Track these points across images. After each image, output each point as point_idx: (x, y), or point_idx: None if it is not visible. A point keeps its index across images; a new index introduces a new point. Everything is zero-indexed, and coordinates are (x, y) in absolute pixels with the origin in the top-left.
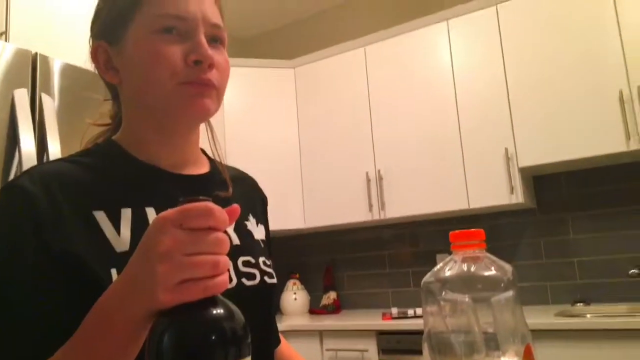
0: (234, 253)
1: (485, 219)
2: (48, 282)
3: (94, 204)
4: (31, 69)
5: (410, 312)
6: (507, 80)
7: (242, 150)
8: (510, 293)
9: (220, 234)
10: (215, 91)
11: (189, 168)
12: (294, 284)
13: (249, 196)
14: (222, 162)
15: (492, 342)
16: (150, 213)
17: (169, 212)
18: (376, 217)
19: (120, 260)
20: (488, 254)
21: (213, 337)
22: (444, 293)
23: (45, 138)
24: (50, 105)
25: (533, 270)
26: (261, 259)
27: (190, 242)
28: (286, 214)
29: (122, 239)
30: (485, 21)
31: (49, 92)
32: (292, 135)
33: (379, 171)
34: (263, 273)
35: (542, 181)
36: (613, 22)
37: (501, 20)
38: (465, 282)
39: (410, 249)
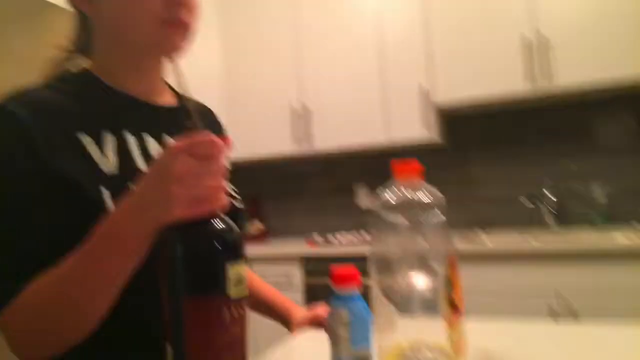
0: None
1: (399, 154)
2: (45, 199)
3: (79, 128)
4: None
5: (332, 239)
6: (425, 19)
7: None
8: (442, 218)
9: (221, 162)
10: (186, 29)
11: (158, 97)
12: None
13: (212, 128)
14: (187, 95)
15: (425, 259)
16: (130, 139)
17: (179, 142)
18: (302, 148)
19: (110, 181)
20: (424, 183)
21: (217, 243)
22: (385, 216)
23: None
24: None
25: None
26: (232, 188)
27: (199, 168)
28: None
29: (109, 161)
30: None
31: None
32: (217, 62)
33: (304, 104)
34: (232, 198)
35: (453, 121)
36: None
37: None
38: (403, 207)
39: (331, 181)
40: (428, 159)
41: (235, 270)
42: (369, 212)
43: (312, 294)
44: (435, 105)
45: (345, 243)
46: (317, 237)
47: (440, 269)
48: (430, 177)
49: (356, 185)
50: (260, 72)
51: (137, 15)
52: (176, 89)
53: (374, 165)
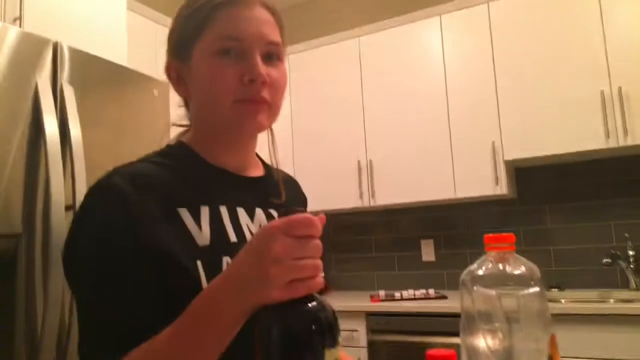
0: None
1: (467, 207)
2: (141, 272)
3: (178, 201)
4: (51, 57)
5: (397, 294)
6: (495, 75)
7: None
8: (536, 289)
9: (318, 241)
10: (268, 106)
11: (249, 170)
12: None
13: (296, 199)
14: (277, 167)
15: (517, 329)
16: (223, 211)
17: (277, 221)
18: (366, 204)
19: (203, 253)
20: (517, 255)
21: (315, 327)
22: (475, 288)
23: (68, 125)
24: (70, 93)
25: None
26: None
27: (297, 248)
28: None
29: (203, 234)
30: (477, 18)
31: (67, 80)
32: (285, 122)
33: (370, 160)
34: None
35: (523, 173)
36: (598, 24)
37: (492, 17)
38: (496, 279)
39: (395, 235)
40: (497, 212)
41: (332, 355)
42: (460, 283)
43: (375, 351)
44: (506, 161)
45: (411, 299)
46: (381, 292)
47: (537, 343)
48: (501, 232)
49: (421, 239)
50: (327, 131)
51: (215, 96)
52: (267, 160)
53: (439, 219)
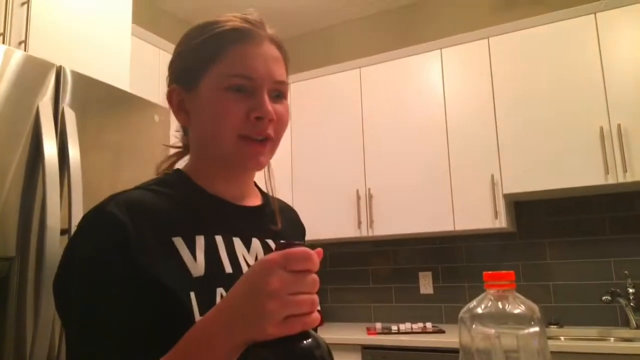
0: None
1: (466, 240)
2: (133, 300)
3: (173, 231)
4: (54, 81)
5: (394, 327)
6: (495, 110)
7: None
8: (536, 329)
9: (315, 276)
10: (271, 143)
11: (247, 199)
12: None
13: (293, 227)
14: (273, 196)
15: None
16: (219, 240)
17: (274, 255)
18: (364, 234)
19: (196, 284)
20: (517, 294)
21: None
22: (474, 326)
23: (67, 149)
24: (71, 117)
25: None
26: None
27: (294, 283)
28: None
29: (197, 265)
30: (477, 52)
31: (68, 103)
32: (285, 150)
33: (369, 190)
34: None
35: (522, 207)
36: (597, 60)
37: (492, 52)
38: (495, 318)
39: (393, 266)
40: (495, 245)
41: None
42: (459, 320)
43: None
44: (505, 195)
45: (408, 333)
46: (377, 325)
47: None
48: (498, 266)
49: (418, 272)
50: (326, 160)
51: (220, 129)
52: (264, 189)
53: (437, 250)
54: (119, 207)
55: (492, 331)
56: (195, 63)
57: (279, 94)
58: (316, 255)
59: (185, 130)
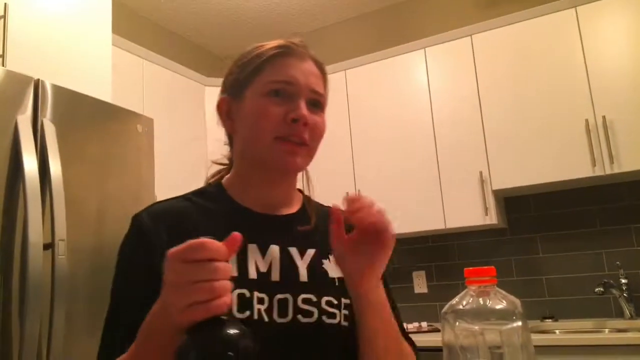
0: (297, 290)
1: (459, 238)
2: (145, 297)
3: (194, 236)
4: (32, 95)
5: None
6: (481, 107)
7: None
8: (519, 323)
9: (219, 263)
10: (306, 148)
11: (281, 208)
12: None
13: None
14: (312, 200)
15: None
16: (249, 247)
17: (173, 248)
18: None
19: None
20: (498, 289)
21: (220, 350)
22: (457, 323)
23: (48, 163)
24: (51, 131)
25: (504, 288)
26: (325, 298)
27: (190, 272)
28: None
29: None
30: (461, 50)
31: (49, 117)
32: None
33: (359, 191)
34: (322, 312)
35: (513, 203)
36: (579, 55)
37: (476, 50)
38: (478, 314)
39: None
40: (487, 242)
41: None
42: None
43: None
44: (495, 191)
45: None
46: None
47: None
48: (491, 262)
49: (413, 272)
50: (314, 159)
51: (258, 131)
52: (305, 192)
53: (429, 249)
54: (148, 215)
55: (476, 327)
56: (243, 75)
57: (316, 103)
58: (216, 244)
59: (230, 141)
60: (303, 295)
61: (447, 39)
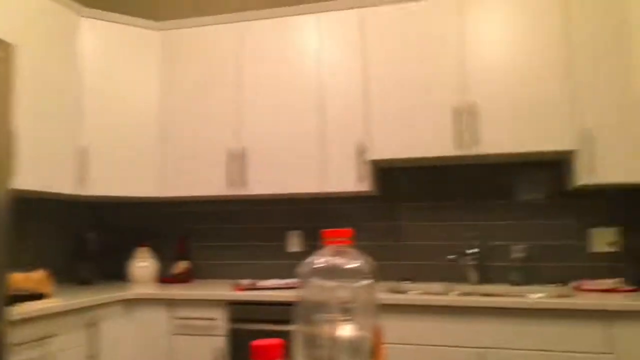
0: None
1: (337, 202)
2: None
3: None
4: None
5: (260, 283)
6: (366, 80)
7: (102, 104)
8: (369, 281)
9: None
10: None
11: None
12: (144, 251)
13: None
14: None
15: (349, 315)
16: None
17: None
18: (236, 192)
19: None
20: (353, 249)
21: None
22: (312, 280)
23: None
24: None
25: (370, 250)
26: None
27: None
28: (140, 180)
29: None
30: (351, 20)
31: None
32: (154, 100)
33: (243, 148)
34: None
35: (388, 173)
36: (461, 40)
37: (366, 23)
38: (332, 272)
39: (264, 225)
40: (360, 208)
41: None
42: (299, 275)
43: (237, 340)
44: (369, 160)
45: (272, 288)
46: (245, 282)
47: (364, 332)
48: (361, 226)
49: (287, 231)
50: (198, 115)
51: None
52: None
53: (306, 211)
54: None
55: (329, 284)
56: None
57: None
58: None
59: None
60: None
61: (338, 7)
